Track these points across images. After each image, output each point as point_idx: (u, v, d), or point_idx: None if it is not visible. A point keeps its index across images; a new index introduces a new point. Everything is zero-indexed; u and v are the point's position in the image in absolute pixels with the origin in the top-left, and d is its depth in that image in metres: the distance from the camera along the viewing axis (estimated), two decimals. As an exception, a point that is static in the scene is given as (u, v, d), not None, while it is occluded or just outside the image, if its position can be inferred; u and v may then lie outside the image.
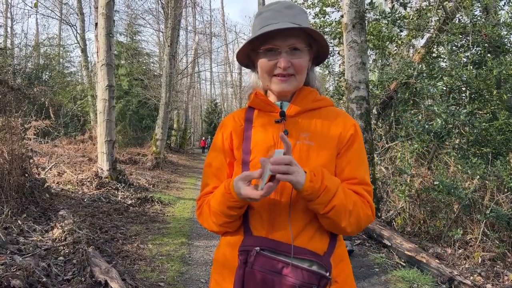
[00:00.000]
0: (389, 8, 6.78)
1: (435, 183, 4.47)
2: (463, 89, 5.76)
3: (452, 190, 4.21)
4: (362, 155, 1.14)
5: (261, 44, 1.10)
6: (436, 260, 3.77)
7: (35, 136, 9.76)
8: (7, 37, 21.61)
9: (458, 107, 5.70)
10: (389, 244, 4.41)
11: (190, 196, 8.40)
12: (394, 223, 5.25)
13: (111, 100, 7.46)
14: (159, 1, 14.84)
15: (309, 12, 8.96)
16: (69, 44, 25.15)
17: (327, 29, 9.03)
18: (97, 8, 7.57)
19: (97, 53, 7.50)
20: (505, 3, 6.15)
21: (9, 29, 22.83)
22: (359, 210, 1.05)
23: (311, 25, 8.41)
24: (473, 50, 5.68)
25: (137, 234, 4.77)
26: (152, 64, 21.97)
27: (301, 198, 1.03)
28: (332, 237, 1.09)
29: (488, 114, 5.54)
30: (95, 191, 6.67)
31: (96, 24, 7.50)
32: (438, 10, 6.62)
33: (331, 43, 9.13)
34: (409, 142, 5.77)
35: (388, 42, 7.29)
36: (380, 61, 8.60)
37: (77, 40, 17.10)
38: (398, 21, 6.41)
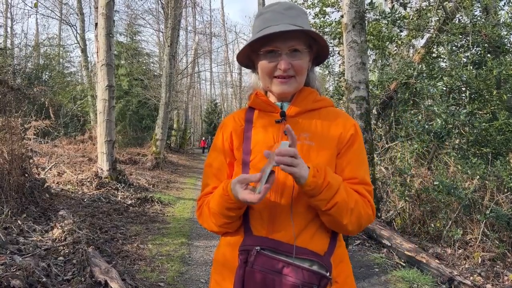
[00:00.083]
0: (389, 8, 6.78)
1: (435, 183, 4.47)
2: (463, 89, 5.76)
3: (452, 190, 4.21)
4: (362, 155, 1.14)
5: (261, 45, 1.10)
6: (436, 260, 3.77)
7: (35, 136, 9.75)
8: (7, 37, 21.61)
9: (458, 107, 5.70)
10: (389, 244, 4.41)
11: (190, 196, 8.40)
12: (394, 223, 5.25)
13: (111, 100, 7.47)
14: (159, 1, 14.85)
15: (309, 12, 8.97)
16: (69, 44, 25.22)
17: (327, 29, 9.03)
18: (97, 8, 7.58)
19: (97, 53, 7.51)
20: (505, 3, 6.15)
21: (9, 29, 22.88)
22: (360, 208, 1.05)
23: (311, 25, 8.43)
24: (473, 50, 5.67)
25: (137, 234, 4.77)
26: (152, 64, 21.99)
27: (302, 199, 1.03)
28: (332, 237, 1.09)
29: (488, 114, 5.53)
30: (95, 191, 6.67)
31: (96, 24, 7.50)
32: (438, 10, 6.62)
33: (331, 43, 9.13)
34: (409, 142, 5.77)
35: (388, 42, 7.29)
36: (380, 61, 8.60)
37: (77, 40, 17.10)
38: (398, 21, 6.41)
